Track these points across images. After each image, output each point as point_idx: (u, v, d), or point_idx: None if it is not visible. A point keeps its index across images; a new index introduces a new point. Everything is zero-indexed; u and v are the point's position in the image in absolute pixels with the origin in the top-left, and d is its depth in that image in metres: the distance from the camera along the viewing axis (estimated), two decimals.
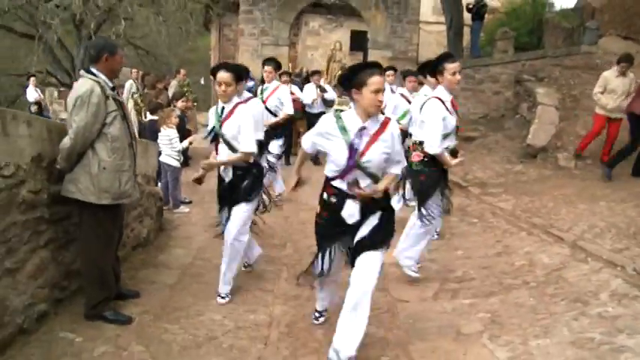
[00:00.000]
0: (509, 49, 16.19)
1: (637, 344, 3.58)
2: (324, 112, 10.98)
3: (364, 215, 3.60)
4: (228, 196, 4.66)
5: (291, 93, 9.80)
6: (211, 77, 4.92)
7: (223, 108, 4.62)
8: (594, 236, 5.70)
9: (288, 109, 8.11)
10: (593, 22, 15.95)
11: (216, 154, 4.72)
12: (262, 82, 8.12)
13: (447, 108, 4.78)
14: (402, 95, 7.90)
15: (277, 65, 8.14)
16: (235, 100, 4.66)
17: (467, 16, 16.53)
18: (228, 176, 4.65)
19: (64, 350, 3.65)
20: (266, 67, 7.85)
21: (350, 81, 3.48)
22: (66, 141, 3.93)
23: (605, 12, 18.07)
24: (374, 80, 3.39)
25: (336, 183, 3.58)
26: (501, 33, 16.52)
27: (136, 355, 3.66)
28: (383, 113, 4.79)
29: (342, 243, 3.69)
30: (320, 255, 3.72)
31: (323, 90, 11.79)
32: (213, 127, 4.70)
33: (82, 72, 4.21)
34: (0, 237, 3.41)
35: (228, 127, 4.55)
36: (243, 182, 4.62)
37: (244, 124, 4.52)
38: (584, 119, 11.20)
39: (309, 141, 3.72)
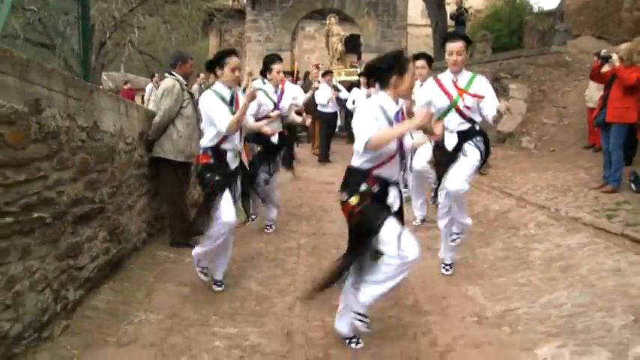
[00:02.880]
0: (487, 50, 18.03)
1: (544, 248, 5.45)
2: (337, 112, 12.56)
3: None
4: (233, 182, 4.74)
5: None
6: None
7: (232, 94, 4.75)
8: (535, 192, 7.57)
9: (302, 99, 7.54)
10: (561, 25, 17.81)
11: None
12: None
13: (442, 88, 4.87)
14: None
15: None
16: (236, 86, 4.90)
17: (452, 21, 18.37)
18: (235, 163, 4.80)
19: (164, 260, 5.48)
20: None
21: (394, 67, 3.57)
22: (156, 119, 5.80)
23: (581, 13, 19.72)
24: (413, 66, 3.76)
25: (378, 172, 3.62)
26: (480, 36, 18.37)
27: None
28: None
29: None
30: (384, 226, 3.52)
31: (337, 89, 12.37)
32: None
33: (166, 74, 6.14)
34: (125, 183, 5.25)
35: (247, 108, 4.75)
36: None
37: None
38: (548, 110, 13.08)
39: (369, 128, 3.49)
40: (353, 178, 3.65)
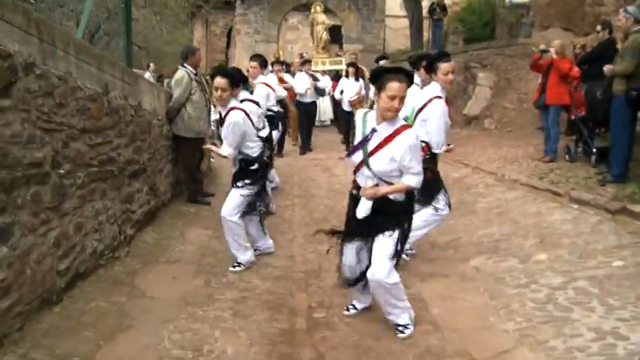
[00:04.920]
0: (459, 41, 19.49)
1: (487, 201, 6.95)
2: (315, 102, 12.52)
3: (377, 217, 3.67)
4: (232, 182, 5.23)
5: (284, 81, 10.76)
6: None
7: (220, 113, 5.17)
8: (488, 163, 9.07)
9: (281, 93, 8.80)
10: (528, 18, 19.38)
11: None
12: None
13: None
14: None
15: (263, 62, 8.43)
16: (231, 104, 5.05)
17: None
18: (235, 168, 5.27)
19: (187, 213, 6.89)
20: (252, 62, 8.22)
21: (374, 82, 3.60)
22: (171, 104, 7.17)
23: (550, 7, 21.15)
24: (391, 86, 3.42)
25: (356, 176, 3.76)
26: (453, 29, 19.84)
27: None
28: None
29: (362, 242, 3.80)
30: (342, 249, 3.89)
31: (315, 79, 12.21)
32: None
33: (179, 66, 7.46)
34: (157, 151, 6.64)
35: (223, 130, 5.06)
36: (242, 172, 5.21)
37: (227, 130, 4.98)
38: (511, 96, 14.60)
39: None
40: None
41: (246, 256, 5.17)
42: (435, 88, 4.87)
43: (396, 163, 3.52)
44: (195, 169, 7.55)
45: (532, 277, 4.71)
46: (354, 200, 3.74)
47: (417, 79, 5.81)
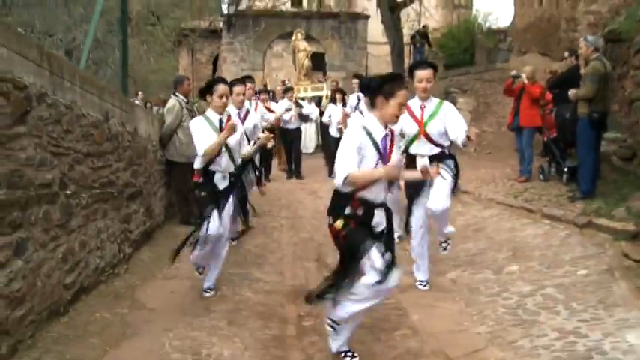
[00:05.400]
0: (439, 67, 20.01)
1: (465, 219, 7.34)
2: (299, 128, 12.64)
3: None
4: (222, 200, 4.95)
5: (270, 110, 10.65)
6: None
7: (220, 120, 5.01)
8: (467, 183, 9.46)
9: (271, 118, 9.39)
10: (504, 44, 20.09)
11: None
12: None
13: (411, 114, 5.03)
14: None
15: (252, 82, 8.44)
16: (228, 111, 5.19)
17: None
18: (224, 184, 5.03)
19: (180, 233, 7.15)
20: (248, 84, 7.91)
21: (379, 88, 3.52)
22: (164, 130, 7.54)
23: (528, 32, 21.91)
24: (401, 93, 3.48)
25: (362, 195, 3.55)
26: (433, 55, 20.46)
27: None
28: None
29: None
30: (365, 256, 3.50)
31: (299, 105, 12.53)
32: None
33: (171, 95, 7.86)
34: (152, 175, 6.99)
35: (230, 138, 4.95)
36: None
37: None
38: (490, 120, 15.15)
39: (350, 164, 3.46)
40: (338, 201, 3.59)
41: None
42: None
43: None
44: (186, 192, 7.89)
45: (504, 286, 5.10)
46: (362, 218, 3.59)
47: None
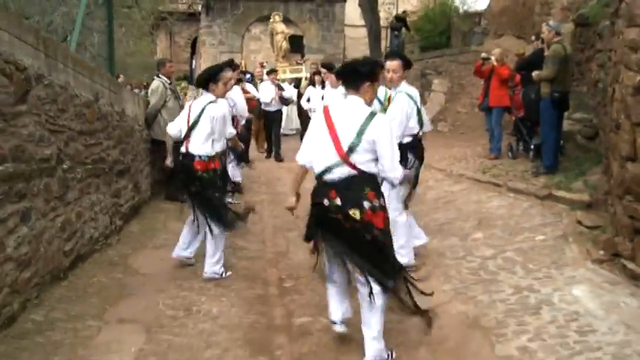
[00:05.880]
0: (414, 50, 20.50)
1: (436, 193, 7.80)
2: (280, 110, 12.75)
3: None
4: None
5: (246, 92, 10.30)
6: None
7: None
8: (439, 161, 9.95)
9: (243, 111, 8.41)
10: (479, 27, 20.54)
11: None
12: None
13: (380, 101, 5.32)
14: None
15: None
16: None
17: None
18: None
19: (166, 209, 7.57)
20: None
21: (372, 74, 3.67)
22: (148, 110, 7.87)
23: (503, 15, 22.31)
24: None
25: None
26: (409, 37, 20.86)
27: None
28: None
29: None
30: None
31: (280, 88, 12.48)
32: None
33: (154, 76, 8.17)
34: (139, 153, 7.33)
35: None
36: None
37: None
38: (463, 101, 15.61)
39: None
40: (376, 182, 3.62)
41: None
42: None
43: None
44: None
45: (469, 251, 5.57)
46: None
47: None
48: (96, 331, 3.94)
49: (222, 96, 5.39)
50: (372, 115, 3.55)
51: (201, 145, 5.13)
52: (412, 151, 5.31)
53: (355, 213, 3.43)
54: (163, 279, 4.99)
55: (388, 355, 3.64)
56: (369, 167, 3.54)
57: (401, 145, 4.79)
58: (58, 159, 4.70)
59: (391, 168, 3.55)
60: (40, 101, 4.40)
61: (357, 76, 3.64)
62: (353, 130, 3.50)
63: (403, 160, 4.67)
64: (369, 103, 3.74)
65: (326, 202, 3.52)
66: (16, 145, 3.97)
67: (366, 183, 3.51)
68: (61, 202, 4.74)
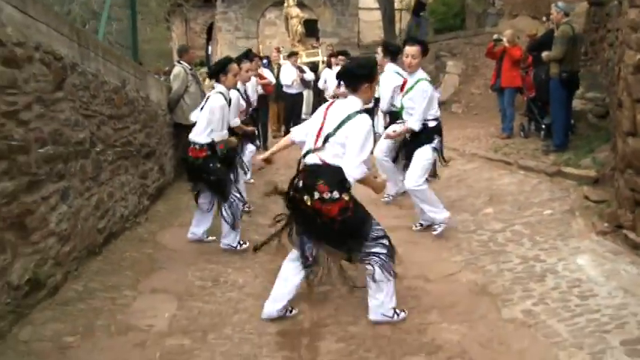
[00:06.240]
0: (429, 32, 20.59)
1: (449, 171, 8.05)
2: (302, 92, 12.74)
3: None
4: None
5: (263, 77, 10.22)
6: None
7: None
8: (453, 140, 10.14)
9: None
10: (493, 9, 20.54)
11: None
12: None
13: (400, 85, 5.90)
14: None
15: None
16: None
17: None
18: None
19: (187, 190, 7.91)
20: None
21: (370, 75, 3.86)
22: (171, 95, 8.19)
23: None
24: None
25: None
26: (425, 21, 20.92)
27: None
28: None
29: None
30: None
31: (302, 71, 12.49)
32: None
33: (175, 62, 8.48)
34: (163, 137, 7.65)
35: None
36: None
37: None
38: (477, 82, 15.74)
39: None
40: (340, 175, 3.67)
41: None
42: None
43: None
44: None
45: (479, 225, 5.85)
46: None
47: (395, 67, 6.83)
48: (131, 300, 4.28)
49: (233, 86, 5.74)
50: (357, 113, 3.73)
51: (199, 134, 5.43)
52: (439, 133, 5.81)
53: (307, 199, 3.67)
54: (191, 254, 5.32)
55: (393, 315, 3.94)
56: (336, 161, 3.69)
57: (428, 128, 5.63)
58: (91, 142, 5.02)
59: (351, 166, 3.65)
60: (75, 88, 4.72)
61: (356, 78, 3.82)
62: (334, 123, 3.73)
63: (430, 141, 5.65)
64: (368, 100, 4.05)
65: (296, 181, 3.82)
66: (54, 129, 4.29)
67: (322, 175, 3.66)
68: (95, 182, 5.08)
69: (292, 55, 13.03)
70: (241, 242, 5.52)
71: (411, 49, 5.44)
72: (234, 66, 5.68)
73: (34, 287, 3.86)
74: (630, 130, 4.55)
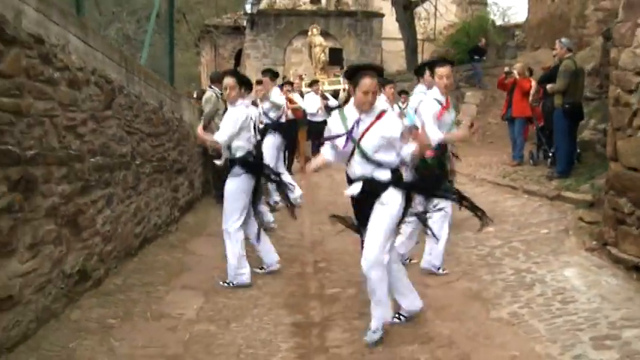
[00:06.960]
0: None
1: None
2: (326, 120, 13.48)
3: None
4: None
5: (293, 102, 10.84)
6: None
7: None
8: (466, 167, 10.68)
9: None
10: (512, 42, 21.21)
11: None
12: None
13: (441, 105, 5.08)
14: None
15: (274, 75, 8.84)
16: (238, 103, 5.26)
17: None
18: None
19: (217, 205, 8.53)
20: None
21: (349, 78, 3.94)
22: (204, 117, 8.85)
23: (540, 28, 22.82)
24: (364, 82, 3.73)
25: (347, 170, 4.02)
26: (444, 51, 21.59)
27: None
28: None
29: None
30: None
31: (325, 98, 12.76)
32: None
33: (207, 87, 9.18)
34: (193, 155, 8.31)
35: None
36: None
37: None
38: (494, 112, 16.25)
39: (327, 149, 4.19)
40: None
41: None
42: (435, 91, 5.21)
43: (385, 140, 3.78)
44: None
45: (480, 241, 6.36)
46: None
47: (421, 86, 6.37)
48: (164, 293, 4.89)
49: (230, 101, 5.31)
50: None
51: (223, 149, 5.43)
52: None
53: None
54: (217, 259, 5.89)
55: (393, 317, 4.35)
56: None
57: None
58: (132, 156, 5.68)
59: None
60: (121, 107, 5.39)
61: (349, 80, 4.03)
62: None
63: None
64: (362, 107, 3.90)
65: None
66: (103, 142, 4.95)
67: None
68: (134, 191, 5.73)
69: (314, 83, 13.30)
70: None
71: (444, 70, 5.09)
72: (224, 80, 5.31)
73: (82, 278, 4.48)
74: (612, 156, 5.08)
